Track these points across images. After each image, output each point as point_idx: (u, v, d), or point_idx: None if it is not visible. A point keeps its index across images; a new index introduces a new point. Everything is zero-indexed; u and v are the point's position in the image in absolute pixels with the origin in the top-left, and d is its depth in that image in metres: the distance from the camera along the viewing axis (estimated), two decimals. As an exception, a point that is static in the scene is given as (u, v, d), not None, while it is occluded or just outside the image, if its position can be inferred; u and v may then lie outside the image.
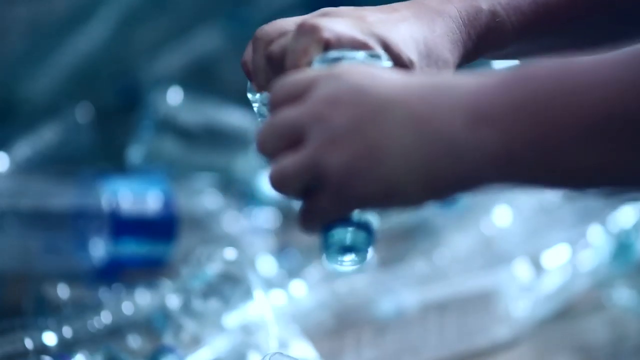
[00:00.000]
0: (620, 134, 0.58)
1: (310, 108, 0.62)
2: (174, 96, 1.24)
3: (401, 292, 1.03)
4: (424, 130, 0.60)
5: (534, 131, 0.58)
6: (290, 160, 0.63)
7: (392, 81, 0.62)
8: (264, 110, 0.71)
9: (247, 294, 0.92)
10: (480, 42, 0.71)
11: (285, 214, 1.25)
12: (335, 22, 0.67)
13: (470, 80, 0.60)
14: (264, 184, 1.26)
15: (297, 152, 0.63)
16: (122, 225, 1.08)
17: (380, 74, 0.63)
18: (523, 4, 0.73)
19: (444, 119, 0.60)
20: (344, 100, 0.62)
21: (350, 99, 0.62)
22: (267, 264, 1.10)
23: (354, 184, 0.63)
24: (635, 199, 1.00)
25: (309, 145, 0.62)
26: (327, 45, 0.67)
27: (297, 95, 0.64)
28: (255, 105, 0.72)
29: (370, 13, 0.69)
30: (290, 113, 0.63)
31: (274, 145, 0.64)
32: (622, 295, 1.13)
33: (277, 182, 0.64)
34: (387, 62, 0.67)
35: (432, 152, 0.60)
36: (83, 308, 0.96)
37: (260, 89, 0.71)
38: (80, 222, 1.10)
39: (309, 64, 0.67)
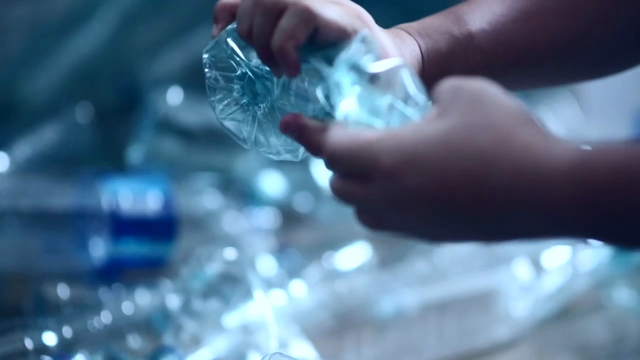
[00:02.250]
0: None
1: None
2: (174, 96, 1.25)
3: (401, 292, 1.03)
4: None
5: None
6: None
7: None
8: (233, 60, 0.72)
9: (247, 294, 0.92)
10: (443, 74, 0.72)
11: (285, 214, 1.25)
12: (329, 8, 0.68)
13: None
14: (263, 184, 1.26)
15: None
16: (122, 225, 1.08)
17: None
18: (484, 44, 0.74)
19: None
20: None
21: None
22: (267, 264, 1.10)
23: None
24: None
25: None
26: (316, 32, 0.68)
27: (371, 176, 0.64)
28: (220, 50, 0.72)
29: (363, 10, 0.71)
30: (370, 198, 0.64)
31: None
32: (622, 295, 1.13)
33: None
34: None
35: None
36: (83, 308, 0.97)
37: (242, 34, 0.71)
38: (80, 222, 1.10)
39: (297, 47, 0.68)
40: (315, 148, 0.69)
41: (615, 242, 0.63)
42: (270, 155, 0.74)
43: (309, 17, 0.68)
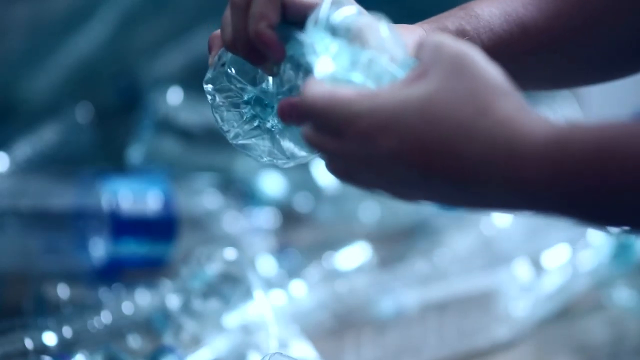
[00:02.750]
0: None
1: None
2: (174, 96, 1.25)
3: (401, 292, 1.03)
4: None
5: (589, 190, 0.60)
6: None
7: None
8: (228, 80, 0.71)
9: (247, 294, 0.92)
10: None
11: (285, 214, 1.25)
12: None
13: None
14: (263, 184, 1.26)
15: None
16: (122, 225, 1.08)
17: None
18: (494, 23, 0.73)
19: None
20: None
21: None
22: (267, 264, 1.10)
23: None
24: None
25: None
26: (287, 9, 0.68)
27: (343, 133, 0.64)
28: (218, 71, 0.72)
29: None
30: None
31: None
32: (622, 295, 1.13)
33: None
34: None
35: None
36: (83, 308, 0.96)
37: (227, 44, 0.71)
38: (80, 222, 1.10)
39: (271, 27, 0.68)
40: None
41: (586, 221, 0.62)
42: (287, 164, 0.74)
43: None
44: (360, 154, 0.64)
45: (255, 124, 0.73)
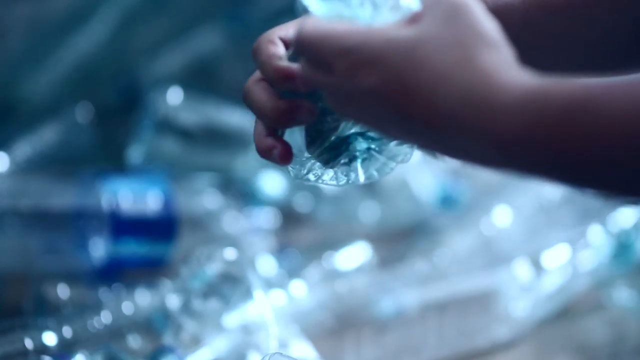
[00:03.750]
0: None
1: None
2: (174, 96, 1.24)
3: (401, 292, 1.03)
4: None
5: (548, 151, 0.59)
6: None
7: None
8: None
9: (247, 294, 0.92)
10: None
11: (285, 214, 1.25)
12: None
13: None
14: (263, 184, 1.26)
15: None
16: (122, 225, 1.08)
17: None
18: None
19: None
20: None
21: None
22: (267, 264, 1.10)
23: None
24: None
25: None
26: (286, 45, 0.70)
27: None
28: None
29: None
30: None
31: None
32: (622, 295, 1.13)
33: None
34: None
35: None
36: (83, 308, 0.97)
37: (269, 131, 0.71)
38: (80, 222, 1.10)
39: (281, 58, 0.69)
40: None
41: (560, 181, 0.62)
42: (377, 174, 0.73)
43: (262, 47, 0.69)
44: (346, 88, 0.65)
45: (355, 162, 0.72)
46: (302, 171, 0.73)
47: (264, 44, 0.70)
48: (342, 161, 0.72)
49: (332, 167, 0.72)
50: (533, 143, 0.59)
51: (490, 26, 0.63)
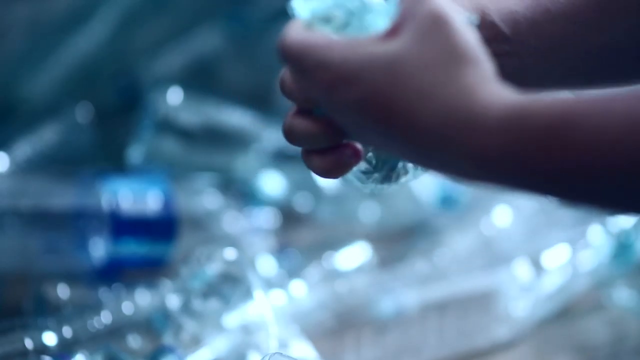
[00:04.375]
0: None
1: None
2: (174, 96, 1.24)
3: (401, 292, 1.03)
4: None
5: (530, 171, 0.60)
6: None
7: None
8: None
9: (247, 294, 0.92)
10: None
11: (285, 214, 1.25)
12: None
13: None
14: (263, 184, 1.26)
15: None
16: (122, 225, 1.08)
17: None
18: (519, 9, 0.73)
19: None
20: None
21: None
22: (267, 264, 1.10)
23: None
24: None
25: None
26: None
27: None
28: None
29: None
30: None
31: None
32: (622, 295, 1.13)
33: None
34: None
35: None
36: (83, 308, 0.96)
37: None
38: (80, 222, 1.10)
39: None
40: None
41: (541, 195, 0.63)
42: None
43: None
44: (326, 99, 0.65)
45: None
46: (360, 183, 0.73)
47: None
48: (398, 175, 0.72)
49: (389, 183, 0.72)
50: (513, 160, 0.60)
51: (470, 40, 0.63)
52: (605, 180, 0.59)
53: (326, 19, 0.68)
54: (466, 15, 0.65)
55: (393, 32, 0.64)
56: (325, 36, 0.66)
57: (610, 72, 0.75)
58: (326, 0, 0.68)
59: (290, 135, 0.70)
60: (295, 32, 0.66)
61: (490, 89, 0.61)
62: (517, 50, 0.71)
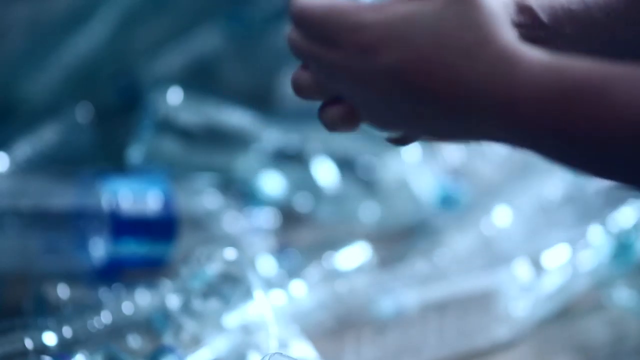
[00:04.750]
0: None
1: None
2: (174, 96, 1.24)
3: (401, 292, 1.03)
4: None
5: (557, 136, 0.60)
6: None
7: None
8: None
9: (247, 294, 0.92)
10: None
11: (285, 214, 1.25)
12: None
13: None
14: (263, 184, 1.26)
15: None
16: (122, 225, 1.08)
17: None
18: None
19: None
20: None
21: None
22: (267, 264, 1.10)
23: None
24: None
25: None
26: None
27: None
28: None
29: None
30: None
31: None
32: (622, 295, 1.13)
33: None
34: None
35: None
36: (83, 308, 0.96)
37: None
38: (80, 222, 1.10)
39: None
40: None
41: (569, 163, 0.63)
42: None
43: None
44: (356, 66, 0.63)
45: None
46: None
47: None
48: None
49: None
50: (549, 119, 0.60)
51: (499, 4, 0.63)
52: (632, 148, 0.58)
53: None
54: None
55: None
56: (348, 1, 0.64)
57: None
58: None
59: (298, 88, 0.69)
60: None
61: (527, 48, 0.62)
62: (553, 38, 0.71)
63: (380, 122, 0.68)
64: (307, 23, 0.65)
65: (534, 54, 0.62)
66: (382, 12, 0.63)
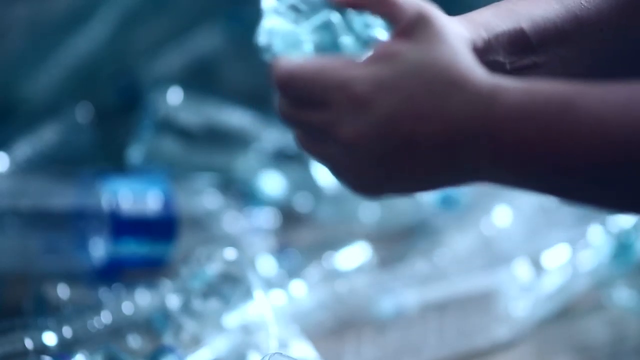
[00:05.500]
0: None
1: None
2: (174, 96, 1.25)
3: (401, 292, 1.03)
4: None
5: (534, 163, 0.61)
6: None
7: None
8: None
9: (247, 294, 0.92)
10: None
11: (285, 214, 1.25)
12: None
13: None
14: (263, 184, 1.26)
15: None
16: (122, 225, 1.08)
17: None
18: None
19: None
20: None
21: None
22: (267, 264, 1.10)
23: None
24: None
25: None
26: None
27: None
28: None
29: None
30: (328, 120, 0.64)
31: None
32: (622, 295, 1.13)
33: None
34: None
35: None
36: (83, 308, 0.96)
37: None
38: (80, 222, 1.10)
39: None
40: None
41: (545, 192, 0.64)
42: None
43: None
44: (348, 124, 0.63)
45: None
46: None
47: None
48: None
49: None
50: (525, 147, 0.61)
51: (460, 35, 0.64)
52: (600, 168, 0.59)
53: (297, 44, 0.66)
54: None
55: (402, 36, 0.64)
56: (330, 58, 0.64)
57: (635, 75, 0.75)
58: (301, 22, 0.66)
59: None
60: (287, 61, 0.64)
61: (501, 79, 0.63)
62: (544, 61, 0.71)
63: (361, 186, 0.69)
64: (294, 89, 0.64)
65: (509, 83, 0.62)
66: (367, 64, 0.63)
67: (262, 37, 0.66)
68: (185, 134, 1.24)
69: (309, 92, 0.64)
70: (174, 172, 1.21)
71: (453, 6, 0.74)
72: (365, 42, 0.66)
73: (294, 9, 0.66)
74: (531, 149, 0.61)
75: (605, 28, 0.72)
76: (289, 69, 0.64)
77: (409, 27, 0.64)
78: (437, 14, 0.64)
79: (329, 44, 0.66)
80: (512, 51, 0.70)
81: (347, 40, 0.66)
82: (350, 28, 0.66)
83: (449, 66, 0.62)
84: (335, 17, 0.66)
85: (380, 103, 0.62)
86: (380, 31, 0.66)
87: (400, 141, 0.63)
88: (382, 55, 0.63)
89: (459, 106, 0.62)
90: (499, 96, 0.61)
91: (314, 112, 0.64)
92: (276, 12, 0.66)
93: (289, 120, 0.66)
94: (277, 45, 0.66)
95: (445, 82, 0.62)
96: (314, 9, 0.66)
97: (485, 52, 0.69)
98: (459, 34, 0.65)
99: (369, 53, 0.65)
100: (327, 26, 0.66)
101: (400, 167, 0.64)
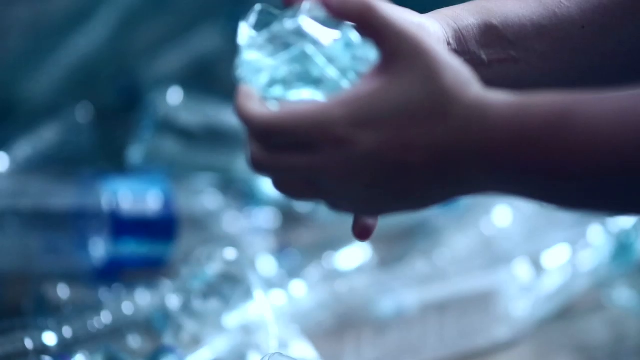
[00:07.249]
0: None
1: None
2: (174, 96, 1.24)
3: (401, 292, 1.03)
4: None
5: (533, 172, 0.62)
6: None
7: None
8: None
9: (247, 294, 0.92)
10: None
11: (285, 214, 1.25)
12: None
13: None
14: (263, 184, 1.26)
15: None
16: (122, 225, 1.08)
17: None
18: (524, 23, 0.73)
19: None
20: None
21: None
22: (267, 264, 1.10)
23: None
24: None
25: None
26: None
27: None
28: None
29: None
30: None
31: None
32: (622, 295, 1.13)
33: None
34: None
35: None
36: (83, 308, 0.96)
37: None
38: (80, 222, 1.10)
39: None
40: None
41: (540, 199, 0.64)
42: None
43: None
44: (335, 162, 0.63)
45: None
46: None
47: None
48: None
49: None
50: (514, 160, 0.61)
51: (457, 62, 0.64)
52: (596, 178, 0.59)
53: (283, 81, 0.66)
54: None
55: (382, 70, 0.63)
56: (308, 102, 0.64)
57: (617, 75, 0.75)
58: (281, 59, 0.65)
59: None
60: (261, 112, 0.64)
61: (494, 94, 0.62)
62: (523, 56, 0.72)
63: (360, 210, 0.71)
64: (276, 137, 0.64)
65: (500, 97, 0.62)
66: (347, 102, 0.63)
67: (240, 70, 0.66)
68: (185, 134, 1.24)
69: (292, 138, 0.64)
70: (174, 172, 1.21)
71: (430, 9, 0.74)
72: (349, 70, 0.66)
73: (270, 41, 0.66)
74: (526, 165, 0.61)
75: (587, 25, 0.72)
76: (265, 119, 0.64)
77: (391, 58, 0.63)
78: (419, 36, 0.63)
79: (304, 75, 0.66)
80: (485, 43, 0.70)
81: (329, 71, 0.66)
82: (331, 58, 0.66)
83: (433, 92, 0.62)
84: (309, 48, 0.65)
85: (364, 140, 0.62)
86: (369, 54, 0.66)
87: (392, 168, 0.63)
88: (362, 92, 0.63)
89: (448, 133, 0.62)
90: (490, 112, 0.61)
91: (299, 157, 0.64)
92: (251, 46, 0.66)
93: (267, 168, 0.66)
94: (253, 79, 0.65)
95: (429, 112, 0.62)
96: (290, 41, 0.66)
97: (459, 43, 0.70)
98: (436, 37, 0.65)
99: (353, 83, 0.65)
100: (302, 57, 0.65)
101: (395, 192, 0.65)
